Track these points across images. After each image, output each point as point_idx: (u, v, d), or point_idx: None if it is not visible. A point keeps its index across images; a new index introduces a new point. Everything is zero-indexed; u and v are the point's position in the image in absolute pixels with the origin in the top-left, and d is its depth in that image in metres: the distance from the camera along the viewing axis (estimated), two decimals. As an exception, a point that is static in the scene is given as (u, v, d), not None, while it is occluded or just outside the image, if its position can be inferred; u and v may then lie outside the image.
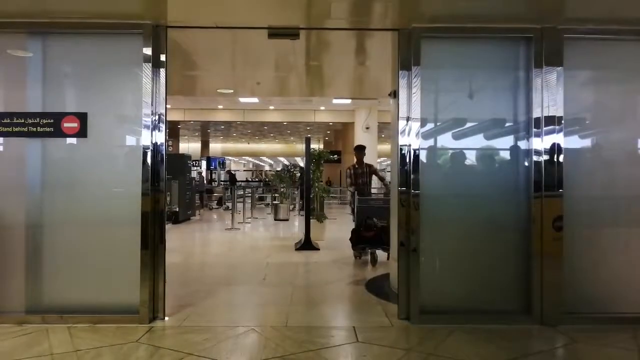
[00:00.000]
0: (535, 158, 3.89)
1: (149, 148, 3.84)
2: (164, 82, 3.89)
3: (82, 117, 3.85)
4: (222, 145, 32.23)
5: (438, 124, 4.05)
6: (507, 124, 4.04)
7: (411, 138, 3.91)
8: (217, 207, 16.93)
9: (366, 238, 6.39)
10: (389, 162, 21.92)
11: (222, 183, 21.92)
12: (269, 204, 15.82)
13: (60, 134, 3.83)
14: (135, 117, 3.86)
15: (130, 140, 3.96)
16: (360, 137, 16.23)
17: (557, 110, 3.86)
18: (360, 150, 7.79)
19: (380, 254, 6.38)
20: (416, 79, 3.87)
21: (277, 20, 4.03)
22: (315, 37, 4.74)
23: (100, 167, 3.90)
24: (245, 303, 4.46)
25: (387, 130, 16.71)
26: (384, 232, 6.11)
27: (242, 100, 13.14)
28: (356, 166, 7.60)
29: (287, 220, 12.29)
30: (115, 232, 3.85)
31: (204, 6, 3.70)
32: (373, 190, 8.93)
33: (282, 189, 13.49)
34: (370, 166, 7.69)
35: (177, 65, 6.08)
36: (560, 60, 3.86)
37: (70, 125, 3.84)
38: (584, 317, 3.85)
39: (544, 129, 3.87)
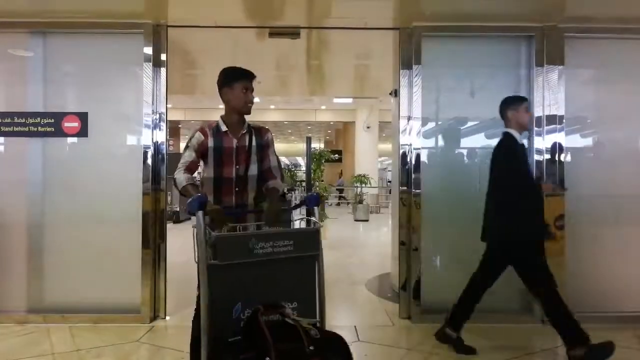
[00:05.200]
0: (536, 157, 3.88)
1: (149, 147, 3.84)
2: (165, 82, 3.89)
3: (83, 117, 3.85)
4: (222, 145, 32.22)
5: (439, 123, 4.04)
6: (509, 123, 4.02)
7: (412, 137, 3.90)
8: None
9: None
10: (390, 161, 21.92)
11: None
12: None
13: (61, 133, 3.84)
14: (136, 116, 3.86)
15: (131, 140, 3.96)
16: (361, 136, 16.21)
17: (559, 109, 3.86)
18: (239, 79, 2.47)
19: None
20: (417, 77, 3.87)
21: (277, 19, 4.02)
22: (316, 36, 4.73)
23: (101, 167, 3.90)
24: (246, 302, 4.45)
25: (388, 129, 16.68)
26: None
27: (242, 99, 13.12)
28: (222, 129, 2.50)
29: (288, 219, 12.27)
30: (117, 232, 3.85)
31: (204, 5, 3.69)
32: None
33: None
34: (262, 132, 2.59)
35: (177, 64, 6.09)
36: (561, 59, 3.85)
37: (71, 124, 3.84)
38: (586, 315, 3.81)
39: (545, 127, 3.87)
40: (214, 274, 1.91)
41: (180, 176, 2.42)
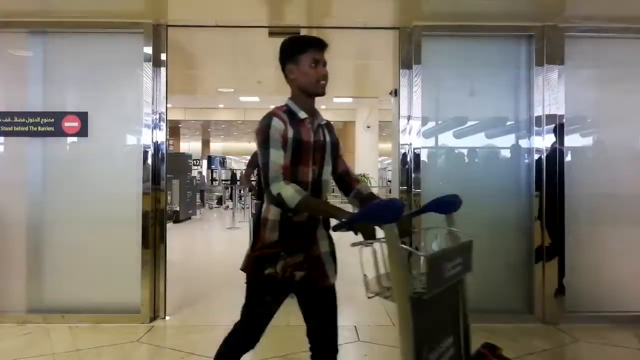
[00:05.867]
0: (536, 156, 3.88)
1: (149, 147, 3.83)
2: (165, 81, 3.89)
3: (83, 117, 3.84)
4: (223, 145, 32.21)
5: (439, 122, 4.04)
6: (508, 123, 4.03)
7: (412, 137, 3.90)
8: (217, 206, 16.98)
9: None
10: (390, 161, 21.89)
11: (223, 182, 21.94)
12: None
13: (61, 133, 3.83)
14: (136, 116, 3.85)
15: (130, 139, 3.95)
16: (361, 135, 16.21)
17: (559, 109, 3.86)
18: (305, 50, 1.86)
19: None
20: (417, 77, 3.87)
21: (277, 19, 4.02)
22: (316, 35, 4.73)
23: (101, 166, 3.89)
24: (247, 302, 4.45)
25: (388, 128, 16.68)
26: None
27: (242, 99, 13.14)
28: (300, 116, 1.85)
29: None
30: (116, 232, 3.84)
31: (204, 5, 3.69)
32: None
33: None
34: (330, 125, 2.01)
35: (177, 64, 6.08)
36: (561, 59, 3.85)
37: (71, 124, 3.84)
38: (585, 315, 3.84)
39: (545, 127, 3.87)
40: (416, 309, 1.39)
41: (289, 191, 1.67)
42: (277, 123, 1.74)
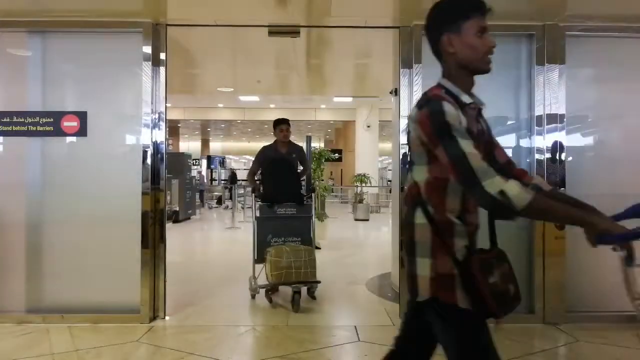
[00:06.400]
0: (537, 156, 3.87)
1: (149, 147, 3.82)
2: (164, 81, 3.88)
3: (82, 116, 3.83)
4: (222, 144, 32.23)
5: (439, 122, 4.03)
6: (509, 122, 4.02)
7: (412, 136, 3.89)
8: (216, 206, 16.99)
9: None
10: (390, 160, 21.88)
11: (223, 182, 21.94)
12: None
13: (60, 133, 3.82)
14: (135, 115, 3.84)
15: (130, 139, 3.94)
16: (361, 135, 16.21)
17: (559, 108, 3.85)
18: (470, 16, 1.58)
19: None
20: (417, 76, 3.86)
21: (277, 18, 4.01)
22: (315, 34, 4.72)
23: (100, 166, 3.88)
24: (246, 302, 4.44)
25: (388, 128, 16.66)
26: None
27: (242, 98, 13.14)
28: (464, 100, 1.51)
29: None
30: (116, 232, 3.83)
31: (203, 4, 3.68)
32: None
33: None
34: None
35: (177, 63, 6.08)
36: (562, 58, 3.84)
37: (70, 124, 3.83)
38: (586, 315, 3.83)
39: (546, 127, 3.86)
40: None
41: (515, 188, 1.24)
42: (450, 109, 1.34)
